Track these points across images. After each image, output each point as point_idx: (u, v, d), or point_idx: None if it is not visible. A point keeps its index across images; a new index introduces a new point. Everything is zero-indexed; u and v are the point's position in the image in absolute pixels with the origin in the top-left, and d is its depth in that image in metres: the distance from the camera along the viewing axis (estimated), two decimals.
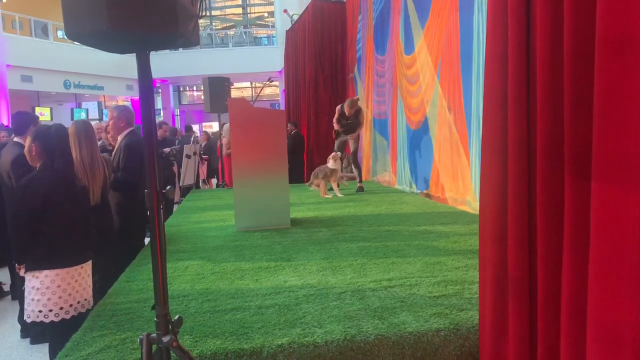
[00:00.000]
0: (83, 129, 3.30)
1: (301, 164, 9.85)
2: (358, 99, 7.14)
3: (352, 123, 6.97)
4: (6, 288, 4.95)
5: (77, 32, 1.60)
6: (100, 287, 3.07)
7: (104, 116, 18.70)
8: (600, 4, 1.28)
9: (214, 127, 20.12)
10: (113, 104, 18.77)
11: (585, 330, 1.38)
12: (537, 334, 1.65)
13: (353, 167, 7.50)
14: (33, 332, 3.66)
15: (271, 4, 23.95)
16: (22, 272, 2.68)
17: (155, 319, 1.75)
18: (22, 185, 2.62)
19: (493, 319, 1.87)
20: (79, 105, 20.41)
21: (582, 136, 1.41)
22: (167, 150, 7.75)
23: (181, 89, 26.67)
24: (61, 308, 2.64)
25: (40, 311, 2.62)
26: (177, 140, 9.16)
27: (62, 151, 2.74)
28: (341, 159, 7.21)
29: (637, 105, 1.20)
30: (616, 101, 1.24)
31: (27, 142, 2.75)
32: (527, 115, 1.67)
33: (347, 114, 6.86)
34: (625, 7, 1.21)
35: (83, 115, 18.49)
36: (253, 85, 26.23)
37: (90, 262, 2.85)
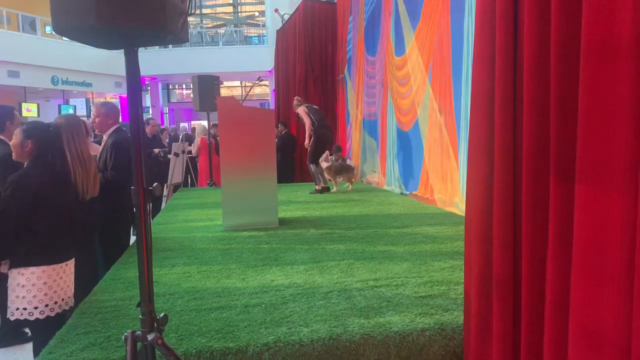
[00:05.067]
0: (74, 124, 3.26)
1: (291, 163, 9.85)
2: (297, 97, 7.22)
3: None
4: None
5: (65, 27, 1.59)
6: (85, 284, 3.04)
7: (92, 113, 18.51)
8: (586, 8, 1.29)
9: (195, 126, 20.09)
10: (101, 100, 18.62)
11: (568, 330, 1.40)
12: (521, 334, 1.67)
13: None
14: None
15: (262, 3, 23.94)
16: (4, 269, 2.64)
17: (140, 317, 1.74)
18: (13, 181, 2.59)
19: (477, 318, 1.88)
20: (66, 102, 20.24)
21: (567, 138, 1.42)
22: (156, 150, 7.71)
23: (170, 87, 26.53)
24: (46, 305, 2.62)
25: (25, 309, 2.59)
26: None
27: (59, 150, 2.74)
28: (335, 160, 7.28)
29: (619, 108, 1.22)
30: (599, 104, 1.26)
31: (18, 136, 2.70)
32: (513, 117, 1.69)
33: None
34: (610, 12, 1.23)
35: (71, 112, 18.31)
36: (243, 85, 26.17)
37: (73, 260, 2.82)
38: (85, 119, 5.28)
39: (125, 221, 4.01)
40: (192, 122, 24.16)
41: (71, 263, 2.79)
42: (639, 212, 1.17)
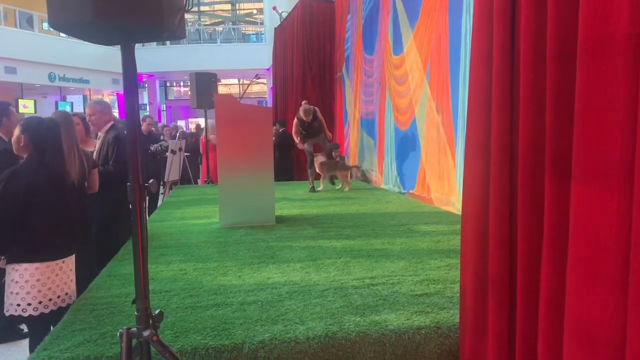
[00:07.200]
0: (63, 121, 3.25)
1: (289, 161, 9.83)
2: (305, 102, 7.25)
3: (315, 125, 7.06)
4: None
5: (61, 22, 1.59)
6: (81, 281, 3.03)
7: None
8: (583, 6, 1.29)
9: (201, 123, 19.97)
10: (99, 97, 18.59)
11: (563, 328, 1.40)
12: (516, 332, 1.67)
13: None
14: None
15: (260, 0, 23.87)
16: (2, 264, 2.64)
17: (135, 313, 1.74)
18: (5, 177, 2.58)
19: (473, 316, 1.89)
20: (63, 99, 20.16)
21: (563, 137, 1.42)
22: (152, 147, 7.70)
23: (168, 84, 26.49)
24: (40, 302, 2.61)
25: (19, 305, 2.58)
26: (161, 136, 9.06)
27: (53, 145, 2.72)
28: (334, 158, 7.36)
29: (615, 107, 1.22)
30: (595, 103, 1.26)
31: (16, 131, 2.72)
32: (510, 116, 1.69)
33: (305, 120, 6.95)
34: (606, 10, 1.23)
35: (68, 109, 18.26)
36: (241, 82, 26.14)
37: (73, 256, 2.81)
38: (84, 115, 5.26)
39: (127, 217, 4.00)
40: (190, 120, 24.15)
41: (69, 260, 2.78)
42: (635, 211, 1.17)
